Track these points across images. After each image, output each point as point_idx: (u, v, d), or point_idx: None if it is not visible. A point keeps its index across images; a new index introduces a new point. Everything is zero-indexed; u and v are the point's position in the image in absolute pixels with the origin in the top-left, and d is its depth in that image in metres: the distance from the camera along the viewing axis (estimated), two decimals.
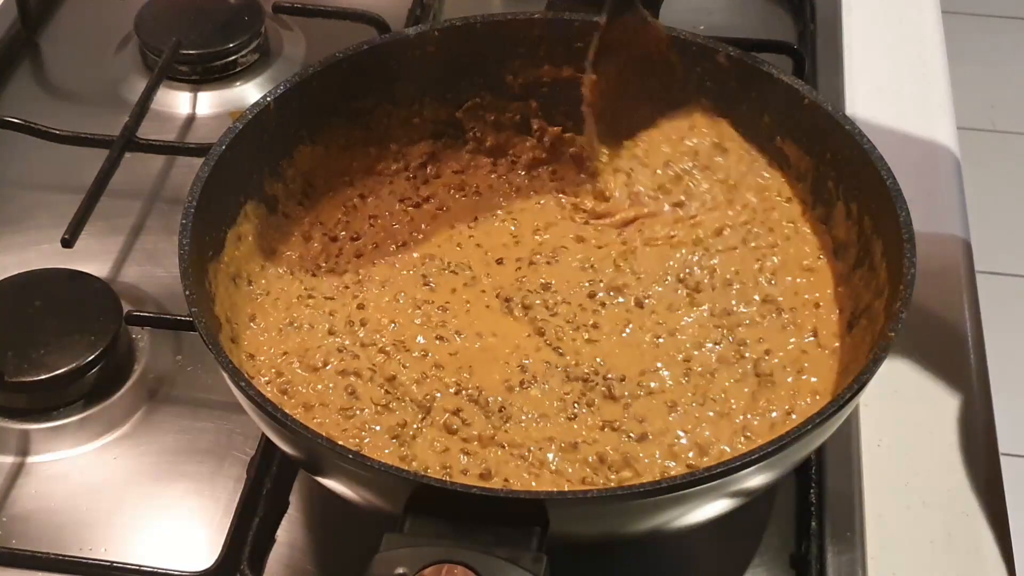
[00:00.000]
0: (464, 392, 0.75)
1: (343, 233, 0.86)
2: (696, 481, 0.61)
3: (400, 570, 0.57)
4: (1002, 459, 0.82)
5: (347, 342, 0.78)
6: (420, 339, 0.78)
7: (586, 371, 0.76)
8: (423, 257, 0.84)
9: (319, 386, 0.75)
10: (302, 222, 0.85)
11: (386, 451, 0.72)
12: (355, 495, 0.67)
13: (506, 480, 0.70)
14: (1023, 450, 1.97)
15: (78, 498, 0.80)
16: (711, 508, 0.66)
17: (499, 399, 0.74)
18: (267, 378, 0.76)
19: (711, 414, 0.73)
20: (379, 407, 0.74)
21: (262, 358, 0.77)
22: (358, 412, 0.74)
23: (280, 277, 0.82)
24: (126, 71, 1.12)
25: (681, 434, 0.72)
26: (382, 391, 0.75)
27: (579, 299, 0.81)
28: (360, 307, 0.80)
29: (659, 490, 0.61)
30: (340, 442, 0.71)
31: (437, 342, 0.78)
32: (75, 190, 0.93)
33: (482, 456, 0.71)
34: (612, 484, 0.70)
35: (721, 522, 0.69)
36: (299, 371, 0.76)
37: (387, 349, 0.77)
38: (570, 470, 0.71)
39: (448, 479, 0.70)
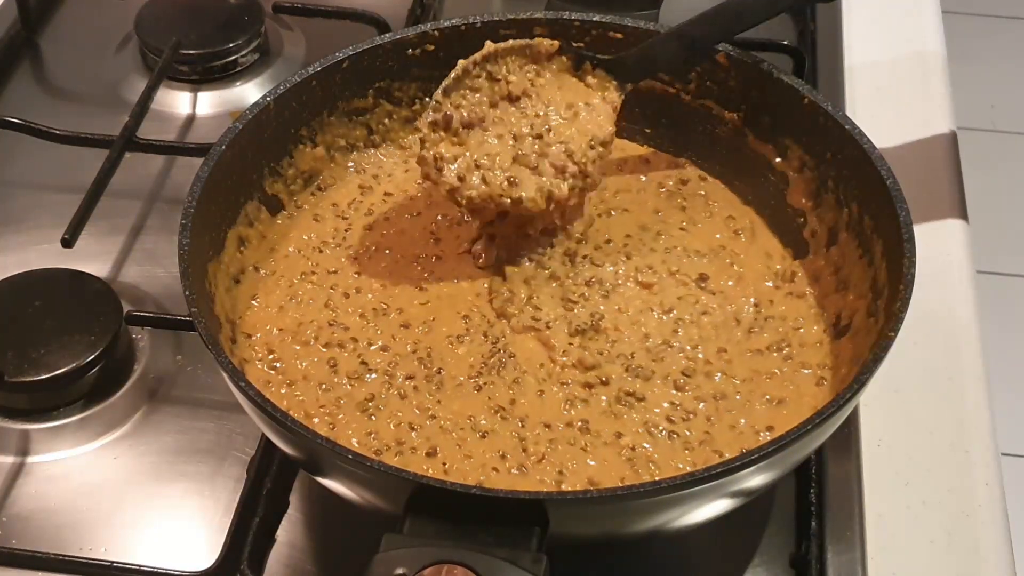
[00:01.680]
0: (415, 355, 0.76)
1: (354, 212, 0.86)
2: (696, 481, 0.61)
3: (400, 570, 0.57)
4: (1002, 459, 0.82)
5: (338, 314, 0.79)
6: (400, 296, 0.80)
7: (496, 334, 0.78)
8: (436, 215, 0.85)
9: (305, 362, 0.76)
10: (315, 206, 0.86)
11: (351, 432, 0.72)
12: (355, 495, 0.67)
13: (444, 464, 0.71)
14: (1023, 450, 1.97)
15: (78, 498, 0.80)
16: (711, 508, 0.66)
17: (436, 363, 0.76)
18: (259, 355, 0.77)
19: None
20: (353, 380, 0.75)
21: (258, 335, 0.78)
22: (335, 386, 0.75)
23: (287, 257, 0.83)
24: (126, 71, 1.12)
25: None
26: (358, 361, 0.76)
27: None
28: (357, 274, 0.81)
29: (659, 490, 0.61)
30: (316, 419, 0.73)
31: (417, 291, 0.80)
32: (75, 190, 0.93)
33: (426, 431, 0.72)
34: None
35: (721, 522, 0.69)
36: (290, 346, 0.77)
37: (367, 314, 0.79)
38: (483, 451, 0.71)
39: (400, 456, 0.71)
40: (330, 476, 0.68)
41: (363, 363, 0.76)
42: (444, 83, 0.79)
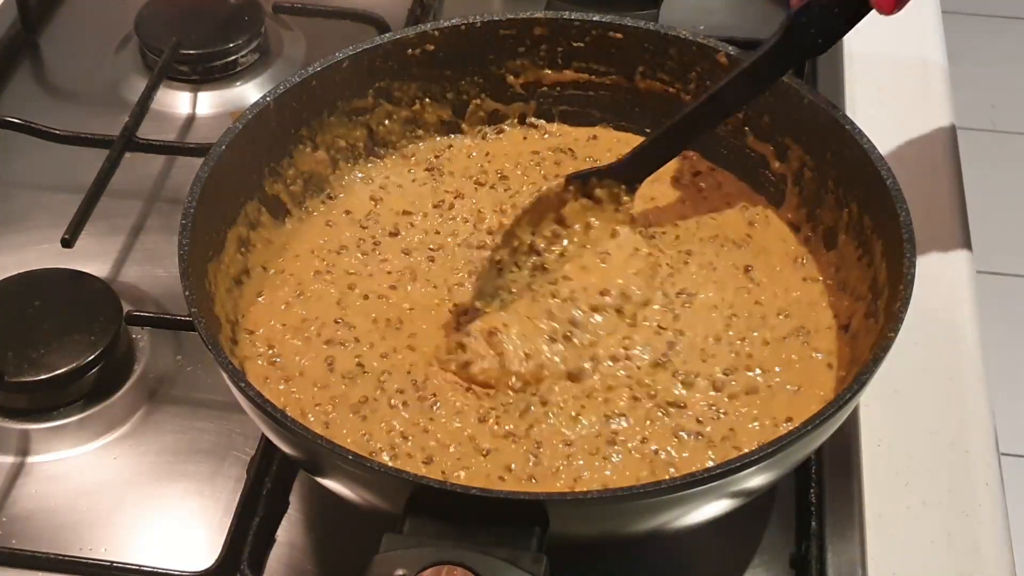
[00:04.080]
0: (410, 375, 0.75)
1: (375, 223, 0.86)
2: (696, 481, 0.61)
3: (400, 571, 0.57)
4: (1002, 459, 0.82)
5: (348, 312, 0.79)
6: (404, 293, 0.80)
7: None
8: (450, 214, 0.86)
9: (303, 358, 0.76)
10: (327, 214, 0.86)
11: (346, 431, 0.72)
12: (355, 495, 0.67)
13: (443, 471, 0.70)
14: (1023, 450, 1.97)
15: (78, 498, 0.80)
16: (711, 508, 0.66)
17: (431, 388, 0.74)
18: (260, 351, 0.77)
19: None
20: (346, 379, 0.75)
21: (260, 330, 0.78)
22: (330, 384, 0.75)
23: (298, 257, 0.83)
24: (126, 71, 1.12)
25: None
26: (355, 362, 0.76)
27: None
28: (393, 287, 0.81)
29: (659, 490, 0.61)
30: (311, 416, 0.73)
31: (414, 286, 0.80)
32: (75, 190, 0.93)
33: (420, 441, 0.71)
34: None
35: (721, 522, 0.69)
36: (291, 342, 0.77)
37: (379, 321, 0.79)
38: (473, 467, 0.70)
39: (395, 460, 0.70)
40: (330, 476, 0.68)
41: (359, 364, 0.76)
42: (478, 283, 0.78)
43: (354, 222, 0.85)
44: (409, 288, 0.81)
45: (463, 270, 0.81)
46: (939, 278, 0.91)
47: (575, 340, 0.76)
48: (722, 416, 0.73)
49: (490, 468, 0.70)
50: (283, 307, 0.80)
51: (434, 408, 0.73)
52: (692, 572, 0.79)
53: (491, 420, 0.73)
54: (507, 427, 0.72)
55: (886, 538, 0.77)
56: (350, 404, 0.74)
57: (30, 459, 0.83)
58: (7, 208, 1.00)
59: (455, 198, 0.87)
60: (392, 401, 0.74)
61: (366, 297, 0.80)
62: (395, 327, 0.79)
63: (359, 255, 0.83)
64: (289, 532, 0.78)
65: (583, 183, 0.82)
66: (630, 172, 0.83)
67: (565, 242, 0.81)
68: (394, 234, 0.85)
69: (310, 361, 0.76)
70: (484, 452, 0.71)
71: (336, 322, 0.78)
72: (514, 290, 0.79)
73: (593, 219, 0.82)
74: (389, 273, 0.82)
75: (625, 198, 0.82)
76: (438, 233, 0.85)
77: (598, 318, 0.77)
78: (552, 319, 0.76)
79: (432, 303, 0.80)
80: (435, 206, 0.87)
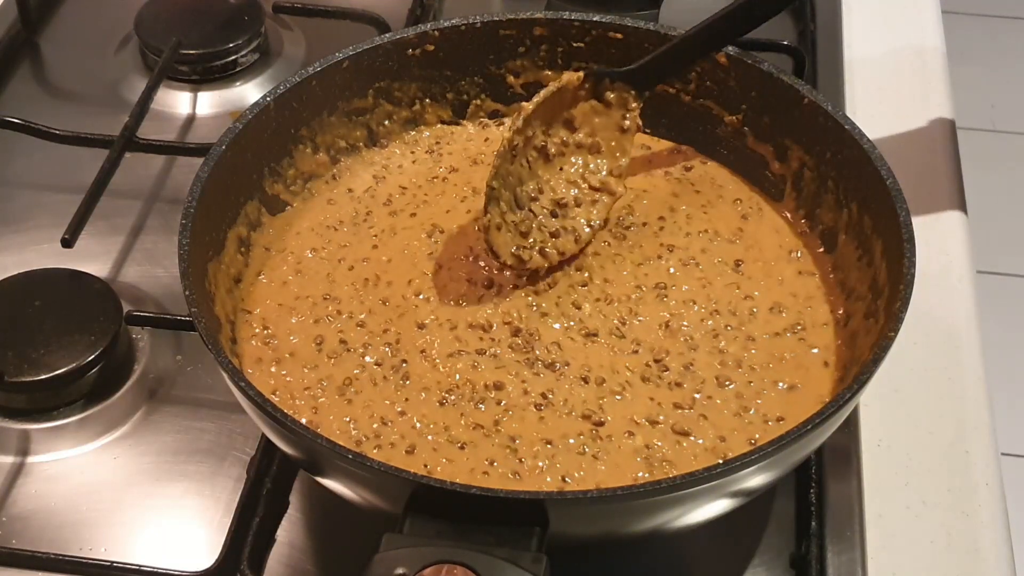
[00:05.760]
0: (387, 344, 0.75)
1: (371, 198, 0.86)
2: (695, 481, 0.61)
3: (400, 570, 0.57)
4: (1002, 459, 0.82)
5: (335, 286, 0.79)
6: (383, 249, 0.81)
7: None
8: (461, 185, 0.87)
9: (295, 337, 0.76)
10: (329, 192, 0.86)
11: (332, 417, 0.72)
12: (355, 495, 0.67)
13: (425, 465, 0.69)
14: (1023, 450, 1.97)
15: (78, 498, 0.80)
16: (711, 508, 0.66)
17: (402, 351, 0.75)
18: (256, 331, 0.77)
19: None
20: (333, 358, 0.75)
21: (257, 310, 0.78)
22: (319, 365, 0.75)
23: (299, 234, 0.83)
24: (126, 71, 1.12)
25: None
26: (338, 338, 0.76)
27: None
28: (375, 247, 0.82)
29: (659, 490, 0.61)
30: (300, 400, 0.73)
31: (394, 239, 0.81)
32: (75, 190, 0.93)
33: (399, 428, 0.71)
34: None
35: (721, 522, 0.69)
36: (284, 321, 0.77)
37: (357, 283, 0.79)
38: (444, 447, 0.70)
39: (379, 449, 0.70)
40: (330, 476, 0.68)
41: (342, 341, 0.76)
42: (494, 162, 0.77)
43: (354, 199, 0.86)
44: (389, 242, 0.82)
45: (448, 205, 0.84)
46: (939, 278, 0.91)
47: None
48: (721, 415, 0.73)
49: (474, 462, 0.70)
50: (281, 285, 0.80)
51: (404, 383, 0.73)
52: (692, 572, 0.79)
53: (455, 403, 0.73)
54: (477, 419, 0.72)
55: (886, 538, 0.77)
56: (336, 386, 0.74)
57: (30, 459, 0.83)
58: (7, 208, 1.00)
59: (450, 172, 0.88)
60: (374, 379, 0.74)
61: (351, 268, 0.80)
62: (372, 284, 0.79)
63: (351, 227, 0.84)
64: (289, 532, 0.78)
65: (598, 81, 0.82)
66: (643, 78, 0.83)
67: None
68: (387, 203, 0.85)
69: (300, 340, 0.76)
70: (460, 445, 0.70)
71: (324, 298, 0.78)
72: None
73: (598, 123, 0.83)
74: (374, 236, 0.83)
75: (633, 104, 0.83)
76: (426, 194, 0.86)
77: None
78: None
79: (410, 244, 0.81)
80: (429, 180, 0.87)
